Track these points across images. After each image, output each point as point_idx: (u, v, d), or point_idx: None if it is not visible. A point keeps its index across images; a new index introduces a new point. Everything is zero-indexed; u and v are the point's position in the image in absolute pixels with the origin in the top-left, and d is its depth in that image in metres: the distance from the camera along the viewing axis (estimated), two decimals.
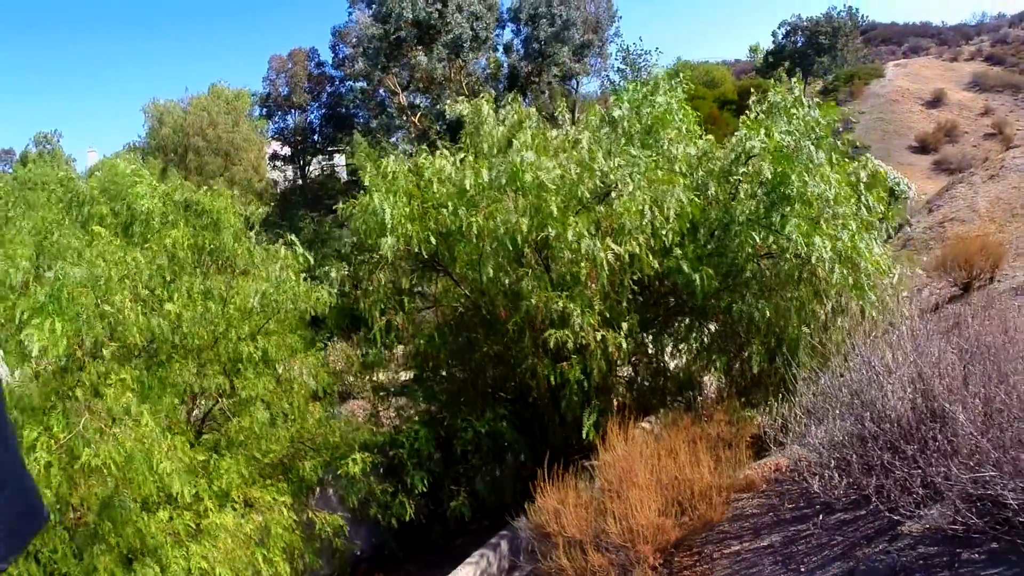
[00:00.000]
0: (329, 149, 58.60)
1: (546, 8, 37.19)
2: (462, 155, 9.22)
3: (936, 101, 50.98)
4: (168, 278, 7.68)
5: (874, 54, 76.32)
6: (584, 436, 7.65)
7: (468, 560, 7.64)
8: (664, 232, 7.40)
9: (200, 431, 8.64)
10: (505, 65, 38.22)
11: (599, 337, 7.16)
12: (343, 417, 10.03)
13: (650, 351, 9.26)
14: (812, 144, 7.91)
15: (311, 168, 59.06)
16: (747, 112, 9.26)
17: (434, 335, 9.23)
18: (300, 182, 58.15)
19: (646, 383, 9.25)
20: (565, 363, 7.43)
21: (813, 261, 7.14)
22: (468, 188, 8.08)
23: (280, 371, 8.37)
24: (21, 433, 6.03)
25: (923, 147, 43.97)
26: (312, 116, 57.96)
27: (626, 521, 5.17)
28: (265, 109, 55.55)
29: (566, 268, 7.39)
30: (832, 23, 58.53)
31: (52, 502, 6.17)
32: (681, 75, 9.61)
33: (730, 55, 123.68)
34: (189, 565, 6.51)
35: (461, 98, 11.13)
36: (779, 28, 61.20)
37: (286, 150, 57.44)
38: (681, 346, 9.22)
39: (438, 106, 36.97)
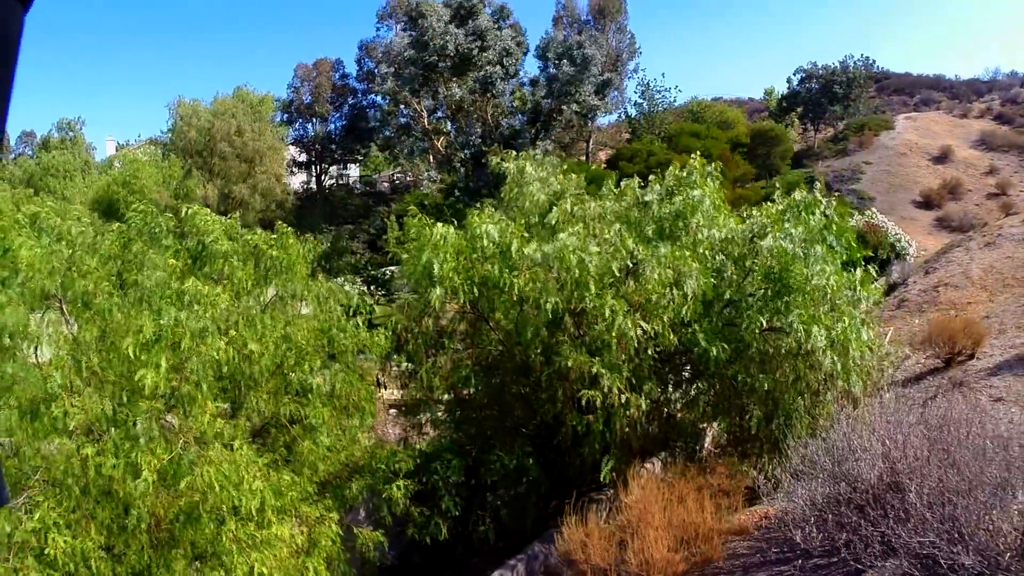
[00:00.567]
0: (345, 159, 59.91)
1: (571, 47, 38.40)
2: (501, 215, 10.47)
3: (943, 157, 52.13)
4: (249, 319, 8.90)
5: (886, 104, 77.57)
6: (603, 478, 8.91)
7: None
8: (684, 311, 8.67)
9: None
10: (529, 99, 39.51)
11: (624, 400, 8.42)
12: (387, 445, 11.20)
13: (662, 406, 10.50)
14: (821, 245, 9.15)
15: (326, 177, 60.33)
16: (769, 203, 10.40)
17: (470, 375, 10.45)
18: (315, 189, 59.32)
19: (655, 431, 10.48)
20: (591, 416, 8.69)
21: (810, 348, 8.43)
22: (513, 255, 9.33)
23: (340, 403, 9.57)
24: (131, 454, 7.13)
25: (927, 202, 45.03)
26: (332, 126, 59.23)
27: (643, 554, 6.39)
28: (286, 115, 56.86)
29: (598, 335, 8.63)
30: (847, 73, 59.91)
31: (144, 513, 7.28)
32: (713, 165, 10.71)
33: (744, 93, 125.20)
34: (250, 570, 7.52)
35: (504, 153, 12.41)
36: (795, 74, 62.66)
37: (303, 156, 58.67)
38: (688, 401, 10.49)
39: (460, 138, 38.42)
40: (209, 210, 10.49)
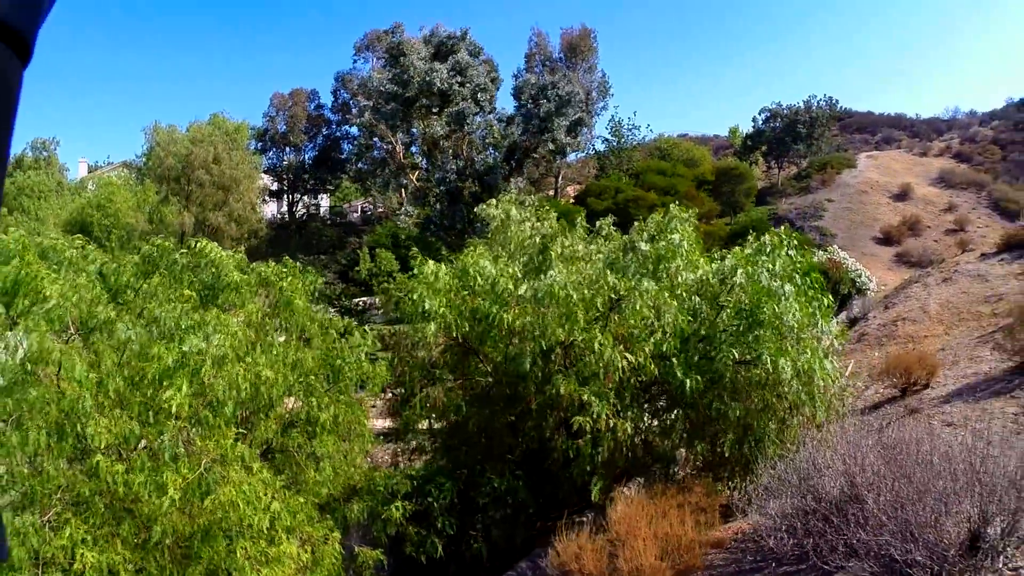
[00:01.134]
0: (316, 188, 60.30)
1: (546, 87, 39.41)
2: (491, 253, 11.31)
3: (903, 195, 53.66)
4: (265, 347, 9.56)
5: (848, 142, 79.38)
6: (593, 498, 9.66)
7: None
8: (663, 345, 9.53)
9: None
10: (503, 135, 40.48)
11: (611, 424, 9.21)
12: (382, 469, 11.83)
13: (643, 431, 11.30)
14: (787, 282, 10.07)
15: (299, 206, 60.66)
16: (742, 246, 11.30)
17: (461, 406, 11.14)
18: (288, 218, 59.52)
19: (638, 454, 11.24)
20: (580, 440, 9.46)
21: (778, 378, 9.32)
22: (500, 292, 10.14)
23: (342, 431, 10.22)
24: (159, 472, 7.71)
25: (887, 239, 46.42)
26: (305, 156, 59.73)
27: (633, 562, 7.13)
28: (260, 144, 57.18)
29: (588, 366, 9.43)
30: (811, 112, 61.78)
31: (168, 528, 7.84)
32: (690, 212, 11.71)
33: (710, 130, 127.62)
34: None
35: (492, 201, 13.26)
36: (759, 114, 64.55)
37: (275, 185, 58.92)
38: (665, 428, 11.31)
39: (437, 173, 39.26)
40: (210, 241, 11.12)
